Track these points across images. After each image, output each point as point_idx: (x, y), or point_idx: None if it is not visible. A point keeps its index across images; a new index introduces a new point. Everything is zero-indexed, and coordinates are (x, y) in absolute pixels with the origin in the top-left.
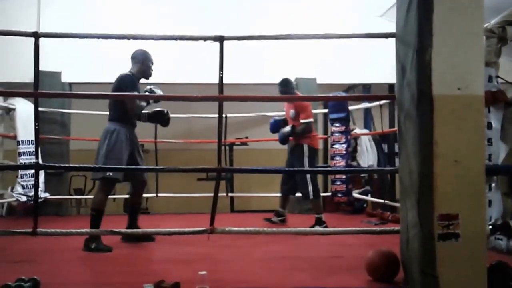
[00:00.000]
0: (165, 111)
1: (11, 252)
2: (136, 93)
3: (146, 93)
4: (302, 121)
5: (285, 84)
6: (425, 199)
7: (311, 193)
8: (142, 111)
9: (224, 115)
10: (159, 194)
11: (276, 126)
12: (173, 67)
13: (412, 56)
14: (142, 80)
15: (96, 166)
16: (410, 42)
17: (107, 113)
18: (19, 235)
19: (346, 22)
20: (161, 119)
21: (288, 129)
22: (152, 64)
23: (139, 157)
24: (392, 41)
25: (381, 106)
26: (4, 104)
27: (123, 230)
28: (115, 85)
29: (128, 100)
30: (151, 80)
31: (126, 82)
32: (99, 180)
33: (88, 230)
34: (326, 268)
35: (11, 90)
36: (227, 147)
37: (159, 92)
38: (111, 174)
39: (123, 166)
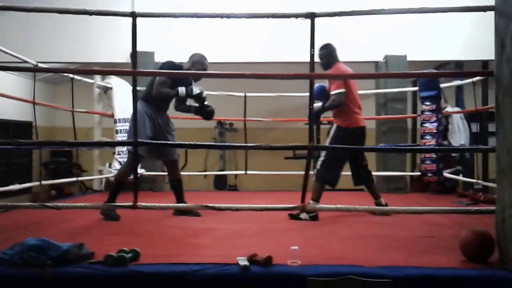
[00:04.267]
0: (208, 104)
1: (113, 224)
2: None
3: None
4: (332, 92)
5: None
6: None
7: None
8: (191, 104)
9: None
10: (248, 172)
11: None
12: (262, 46)
13: None
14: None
15: (185, 143)
16: (511, 15)
17: None
18: (120, 209)
19: None
20: (204, 112)
21: (318, 104)
22: (205, 69)
23: (169, 136)
24: (487, 15)
25: (474, 83)
26: (102, 84)
27: (216, 204)
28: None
29: (157, 81)
30: (241, 58)
31: (162, 68)
32: (128, 155)
33: (184, 204)
34: (418, 247)
35: (111, 69)
36: (314, 126)
37: (198, 90)
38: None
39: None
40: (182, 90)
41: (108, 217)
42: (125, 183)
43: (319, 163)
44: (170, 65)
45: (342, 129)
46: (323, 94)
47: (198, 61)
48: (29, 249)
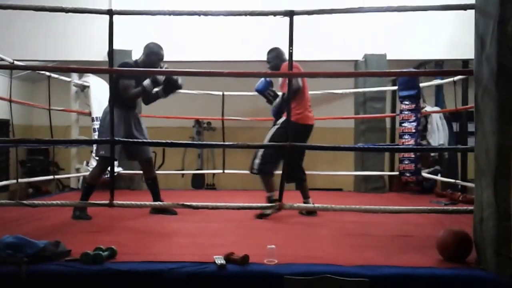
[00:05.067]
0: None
1: (89, 222)
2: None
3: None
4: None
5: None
6: (503, 178)
7: (256, 167)
8: (155, 89)
9: None
10: (226, 171)
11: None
12: (241, 44)
13: (493, 28)
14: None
15: (162, 141)
16: (491, 13)
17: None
18: (96, 207)
19: None
20: (172, 86)
21: (277, 100)
22: (160, 59)
23: (140, 135)
24: (468, 13)
25: (454, 82)
26: (79, 82)
27: (193, 203)
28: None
29: (121, 87)
30: (220, 56)
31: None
32: (98, 158)
33: (161, 203)
34: (394, 246)
35: (88, 67)
36: None
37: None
38: (103, 152)
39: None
40: (148, 84)
41: (80, 219)
42: (97, 185)
43: (259, 154)
44: (126, 65)
45: (291, 122)
46: (271, 85)
47: (152, 52)
48: (5, 247)
